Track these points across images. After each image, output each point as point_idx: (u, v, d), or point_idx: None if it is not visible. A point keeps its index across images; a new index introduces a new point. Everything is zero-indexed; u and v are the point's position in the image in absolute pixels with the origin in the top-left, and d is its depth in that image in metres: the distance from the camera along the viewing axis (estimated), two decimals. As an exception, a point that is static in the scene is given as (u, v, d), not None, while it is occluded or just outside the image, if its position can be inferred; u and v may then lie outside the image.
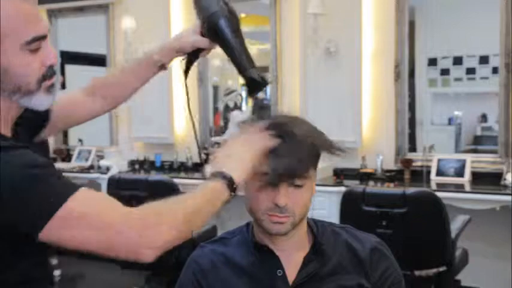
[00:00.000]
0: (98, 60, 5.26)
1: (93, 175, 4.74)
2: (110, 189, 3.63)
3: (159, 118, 4.67)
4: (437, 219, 2.70)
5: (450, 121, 4.63)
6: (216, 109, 5.29)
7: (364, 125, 4.07)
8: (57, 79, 1.09)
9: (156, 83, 5.35)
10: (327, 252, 1.20)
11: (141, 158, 4.74)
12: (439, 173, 3.79)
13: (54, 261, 4.56)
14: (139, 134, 4.86)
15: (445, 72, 4.54)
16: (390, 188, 3.53)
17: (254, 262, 1.20)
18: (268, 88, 4.51)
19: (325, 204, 3.45)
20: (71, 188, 0.97)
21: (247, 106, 5.88)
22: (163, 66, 1.35)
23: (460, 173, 3.73)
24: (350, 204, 2.85)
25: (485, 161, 3.78)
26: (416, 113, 4.38)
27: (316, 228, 1.24)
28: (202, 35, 1.28)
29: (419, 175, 3.83)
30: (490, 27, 3.84)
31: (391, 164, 3.98)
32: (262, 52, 5.18)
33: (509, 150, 3.67)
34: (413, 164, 3.90)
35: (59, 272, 4.58)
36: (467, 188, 3.60)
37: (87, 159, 5.06)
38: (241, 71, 1.24)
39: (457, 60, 4.46)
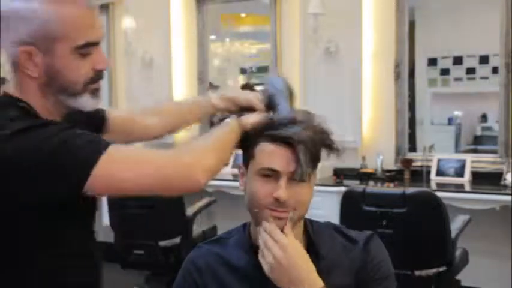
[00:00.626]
0: (98, 60, 5.25)
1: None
2: (110, 189, 3.63)
3: (159, 118, 4.66)
4: (437, 219, 2.70)
5: (450, 121, 4.63)
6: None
7: (364, 124, 4.07)
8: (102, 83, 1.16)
9: (156, 82, 5.33)
10: (321, 251, 1.21)
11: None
12: (439, 173, 3.79)
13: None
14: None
15: (445, 72, 4.54)
16: (390, 188, 3.53)
17: (250, 262, 1.19)
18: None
19: (325, 204, 3.45)
20: (105, 146, 1.04)
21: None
22: (216, 111, 1.39)
23: (460, 173, 3.73)
24: (350, 204, 2.85)
25: (485, 161, 3.78)
26: (416, 112, 4.38)
27: (312, 227, 1.24)
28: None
29: (419, 175, 3.83)
30: (490, 27, 3.84)
31: (391, 164, 3.98)
32: (262, 52, 5.18)
33: (509, 150, 3.67)
34: (413, 164, 3.90)
35: (59, 272, 4.58)
36: (467, 188, 3.60)
37: (87, 159, 5.05)
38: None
39: (457, 60, 4.46)
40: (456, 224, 2.94)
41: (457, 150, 4.42)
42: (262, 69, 4.72)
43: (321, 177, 3.73)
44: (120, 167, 1.05)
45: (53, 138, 1.01)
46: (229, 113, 1.31)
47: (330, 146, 1.19)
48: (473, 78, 4.42)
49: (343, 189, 3.21)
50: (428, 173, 3.81)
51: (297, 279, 1.09)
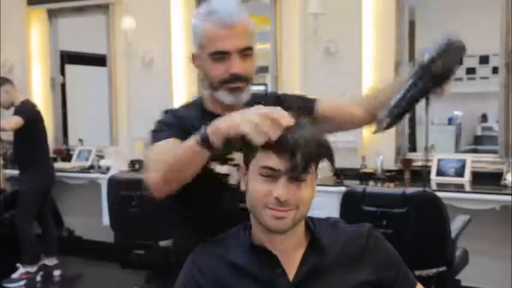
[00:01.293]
0: (98, 60, 5.26)
1: (93, 175, 4.75)
2: (110, 189, 3.64)
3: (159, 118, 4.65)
4: (437, 219, 2.70)
5: (450, 121, 4.63)
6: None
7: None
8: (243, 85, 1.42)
9: (156, 82, 5.33)
10: (325, 247, 1.21)
11: (141, 158, 4.73)
12: (439, 173, 3.79)
13: (54, 261, 4.57)
14: (140, 134, 4.85)
15: (445, 72, 4.54)
16: (390, 188, 3.53)
17: (252, 262, 1.20)
18: (269, 88, 4.51)
19: (325, 204, 3.44)
20: (162, 136, 1.39)
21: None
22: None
23: (460, 173, 3.72)
24: (350, 204, 2.85)
25: (485, 161, 3.78)
26: (416, 113, 4.38)
27: (313, 224, 1.24)
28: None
29: (419, 175, 3.83)
30: (490, 27, 3.83)
31: (391, 164, 3.98)
32: (262, 52, 5.18)
33: (509, 150, 3.67)
34: (414, 164, 3.90)
35: (59, 272, 4.59)
36: (467, 188, 3.60)
37: (87, 159, 5.06)
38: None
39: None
40: (456, 224, 2.94)
41: (457, 150, 4.43)
42: (262, 69, 4.72)
43: (321, 177, 3.71)
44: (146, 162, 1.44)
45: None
46: None
47: (328, 156, 1.21)
48: (473, 78, 4.43)
49: (343, 189, 3.21)
50: (429, 173, 3.81)
51: None
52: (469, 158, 3.77)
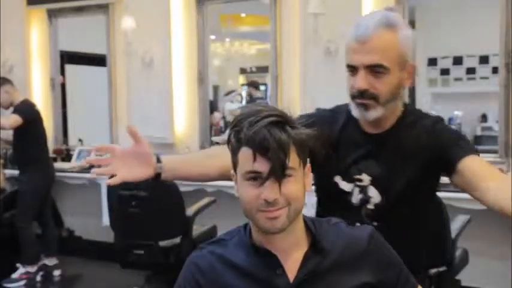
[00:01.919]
0: (98, 60, 5.26)
1: (93, 175, 4.74)
2: (109, 189, 3.63)
3: (159, 118, 4.66)
4: (437, 219, 2.69)
5: (450, 121, 4.63)
6: (216, 109, 5.29)
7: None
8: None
9: (156, 82, 5.32)
10: (326, 248, 1.20)
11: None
12: (439, 173, 3.78)
13: (54, 261, 4.57)
14: (140, 134, 4.85)
15: (445, 72, 4.55)
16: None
17: (253, 263, 1.19)
18: (269, 88, 4.51)
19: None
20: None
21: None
22: None
23: (460, 173, 3.72)
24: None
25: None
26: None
27: (313, 225, 1.24)
28: None
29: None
30: (490, 27, 3.84)
31: (391, 164, 3.97)
32: (262, 52, 5.18)
33: (509, 150, 3.66)
34: (413, 164, 3.89)
35: (59, 272, 4.59)
36: (468, 188, 3.59)
37: (87, 159, 5.05)
38: None
39: (457, 60, 4.47)
40: (456, 224, 2.94)
41: (457, 150, 4.42)
42: (262, 69, 4.73)
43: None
44: None
45: None
46: None
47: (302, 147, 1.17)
48: (473, 78, 4.44)
49: (343, 189, 3.20)
50: (428, 173, 3.80)
51: None
52: (469, 158, 3.76)
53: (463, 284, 3.21)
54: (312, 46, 4.10)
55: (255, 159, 1.12)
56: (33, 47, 5.47)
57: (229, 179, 1.26)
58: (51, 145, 5.04)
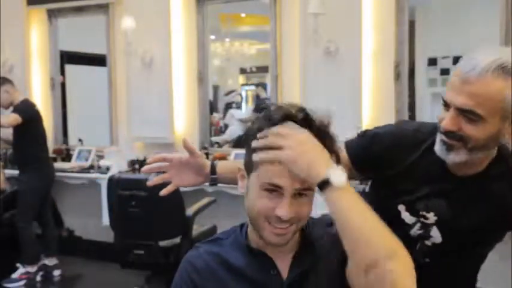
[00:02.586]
0: (98, 60, 5.26)
1: (93, 175, 4.75)
2: (109, 189, 3.64)
3: (159, 118, 4.67)
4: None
5: (450, 121, 4.63)
6: (216, 109, 5.29)
7: (364, 124, 4.06)
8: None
9: (156, 82, 5.31)
10: (316, 246, 1.21)
11: (141, 158, 4.74)
12: (439, 173, 3.78)
13: (54, 261, 4.57)
14: (139, 134, 4.86)
15: (445, 72, 4.54)
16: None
17: (248, 263, 1.20)
18: (268, 88, 4.51)
19: (325, 204, 3.45)
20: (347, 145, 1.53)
21: (246, 105, 5.89)
22: None
23: (460, 173, 3.72)
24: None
25: (485, 161, 3.78)
26: (416, 113, 4.38)
27: (307, 225, 1.23)
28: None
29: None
30: (490, 27, 3.84)
31: (391, 164, 3.97)
32: (262, 52, 5.18)
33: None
34: (413, 164, 3.89)
35: (59, 272, 4.59)
36: (467, 188, 3.60)
37: (87, 159, 5.06)
38: None
39: (457, 60, 4.44)
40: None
41: (457, 150, 4.42)
42: (262, 69, 4.72)
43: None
44: None
45: None
46: None
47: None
48: (473, 78, 4.42)
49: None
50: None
51: (314, 159, 1.08)
52: (469, 158, 3.76)
53: (463, 284, 3.21)
54: (312, 46, 4.10)
55: (278, 174, 1.09)
56: (33, 47, 5.47)
57: None
58: (51, 145, 5.04)
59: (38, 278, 4.47)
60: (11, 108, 4.38)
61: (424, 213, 1.40)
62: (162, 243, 3.54)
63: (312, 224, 1.25)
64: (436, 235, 1.42)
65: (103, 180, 4.33)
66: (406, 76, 4.05)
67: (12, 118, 4.26)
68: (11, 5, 5.33)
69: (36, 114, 4.43)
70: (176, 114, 4.72)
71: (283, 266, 1.19)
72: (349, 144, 1.55)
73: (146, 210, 3.42)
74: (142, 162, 4.73)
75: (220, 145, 5.02)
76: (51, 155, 4.94)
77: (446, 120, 1.25)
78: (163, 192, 1.49)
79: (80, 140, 5.30)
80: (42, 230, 4.61)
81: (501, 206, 1.36)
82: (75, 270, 4.73)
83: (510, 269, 3.48)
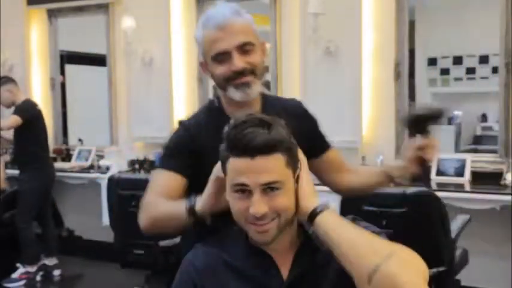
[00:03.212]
0: (98, 60, 5.26)
1: (93, 175, 4.75)
2: (109, 189, 3.63)
3: (159, 118, 4.67)
4: (437, 218, 2.70)
5: (450, 121, 4.63)
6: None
7: (364, 124, 4.06)
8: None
9: (156, 82, 5.31)
10: (317, 245, 1.20)
11: (141, 158, 4.74)
12: (439, 172, 3.79)
13: (54, 261, 4.57)
14: (139, 134, 4.86)
15: (445, 72, 4.54)
16: (390, 188, 3.51)
17: (248, 262, 1.20)
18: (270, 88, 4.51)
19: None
20: (165, 166, 1.49)
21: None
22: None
23: (460, 172, 3.72)
24: (350, 204, 2.85)
25: (485, 161, 3.78)
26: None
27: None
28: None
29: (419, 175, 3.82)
30: (490, 27, 3.84)
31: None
32: (262, 52, 5.17)
33: (509, 150, 3.67)
34: (413, 163, 3.89)
35: (59, 272, 4.59)
36: (467, 187, 3.60)
37: (87, 159, 5.06)
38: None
39: (457, 60, 4.46)
40: (456, 224, 2.94)
41: (457, 149, 4.42)
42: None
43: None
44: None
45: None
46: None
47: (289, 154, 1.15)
48: (473, 78, 4.43)
49: (343, 189, 3.20)
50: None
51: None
52: (469, 157, 3.76)
53: (463, 284, 3.22)
54: (312, 46, 4.10)
55: (241, 172, 1.11)
56: (33, 47, 5.47)
57: None
58: (51, 145, 5.04)
59: (38, 278, 4.47)
60: (13, 108, 4.38)
61: None
62: (162, 243, 3.53)
63: None
64: None
65: (103, 180, 4.32)
66: (406, 76, 4.04)
67: (12, 120, 4.26)
68: (11, 5, 5.33)
69: (37, 114, 4.42)
70: (176, 114, 4.71)
71: (284, 264, 1.19)
72: None
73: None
74: (142, 162, 4.74)
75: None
76: (51, 155, 4.94)
77: (234, 61, 1.43)
78: None
79: (80, 140, 5.30)
80: (42, 230, 4.60)
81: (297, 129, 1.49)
82: (75, 270, 4.73)
83: (510, 269, 3.48)
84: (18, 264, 4.39)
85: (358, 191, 1.73)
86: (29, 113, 4.33)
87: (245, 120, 1.13)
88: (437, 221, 2.70)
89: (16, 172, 4.56)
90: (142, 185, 1.60)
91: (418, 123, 1.51)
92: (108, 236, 3.71)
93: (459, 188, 3.60)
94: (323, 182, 1.69)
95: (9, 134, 4.48)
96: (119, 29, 4.87)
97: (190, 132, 1.51)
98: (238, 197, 1.13)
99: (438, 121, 1.51)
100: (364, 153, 4.00)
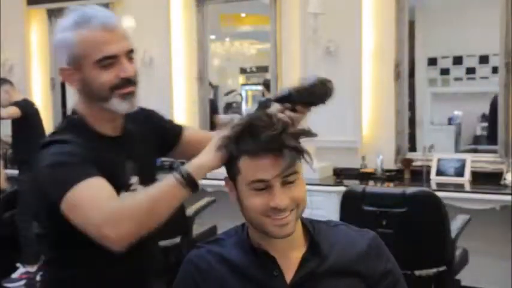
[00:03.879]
0: (98, 60, 5.25)
1: (93, 175, 4.74)
2: (109, 189, 3.63)
3: (159, 118, 4.66)
4: (437, 218, 2.70)
5: (450, 121, 4.63)
6: (216, 108, 5.29)
7: (364, 124, 4.07)
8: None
9: (156, 82, 5.32)
10: (324, 251, 1.20)
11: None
12: (439, 172, 3.79)
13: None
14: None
15: (445, 72, 4.54)
16: (390, 188, 3.53)
17: (250, 263, 1.19)
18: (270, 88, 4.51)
19: (325, 204, 3.45)
20: (82, 176, 1.20)
21: (247, 105, 5.89)
22: None
23: (460, 172, 3.73)
24: (350, 204, 2.85)
25: (485, 161, 3.78)
26: (416, 112, 4.38)
27: (312, 227, 1.23)
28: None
29: (419, 175, 3.83)
30: (490, 27, 3.84)
31: (391, 164, 3.97)
32: (262, 52, 5.18)
33: (509, 150, 3.67)
34: (413, 163, 3.90)
35: (59, 272, 4.58)
36: (467, 187, 3.60)
37: (87, 159, 5.05)
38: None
39: (457, 60, 4.46)
40: (456, 224, 2.94)
41: (457, 150, 4.42)
42: (262, 69, 4.72)
43: (321, 177, 3.73)
44: (71, 210, 1.21)
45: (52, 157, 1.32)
46: None
47: (305, 133, 1.18)
48: (473, 78, 4.43)
49: (343, 189, 3.20)
50: (428, 172, 3.81)
51: None
52: (468, 157, 3.76)
53: (463, 284, 3.21)
54: (312, 46, 4.10)
55: (260, 168, 1.11)
56: (33, 47, 5.47)
57: None
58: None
59: (38, 278, 4.47)
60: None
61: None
62: (162, 243, 3.53)
63: (318, 226, 1.25)
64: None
65: (103, 180, 4.32)
66: (406, 76, 4.05)
67: (12, 110, 4.28)
68: (11, 5, 5.33)
69: (35, 112, 4.44)
70: (176, 114, 4.72)
71: (288, 267, 1.18)
72: None
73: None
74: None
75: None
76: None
77: (126, 68, 1.33)
78: None
79: (80, 140, 5.29)
80: (42, 230, 4.60)
81: (147, 132, 1.56)
82: (75, 270, 4.72)
83: (510, 269, 3.48)
84: (18, 264, 4.39)
85: None
86: (28, 106, 4.37)
87: (256, 120, 1.15)
88: (437, 221, 2.70)
89: (16, 172, 4.56)
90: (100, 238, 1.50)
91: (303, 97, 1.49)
92: (108, 236, 3.71)
93: (459, 188, 3.60)
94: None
95: (8, 137, 4.48)
96: (119, 29, 4.86)
97: (72, 143, 1.29)
98: (257, 194, 1.13)
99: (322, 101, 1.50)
100: (364, 153, 4.00)
